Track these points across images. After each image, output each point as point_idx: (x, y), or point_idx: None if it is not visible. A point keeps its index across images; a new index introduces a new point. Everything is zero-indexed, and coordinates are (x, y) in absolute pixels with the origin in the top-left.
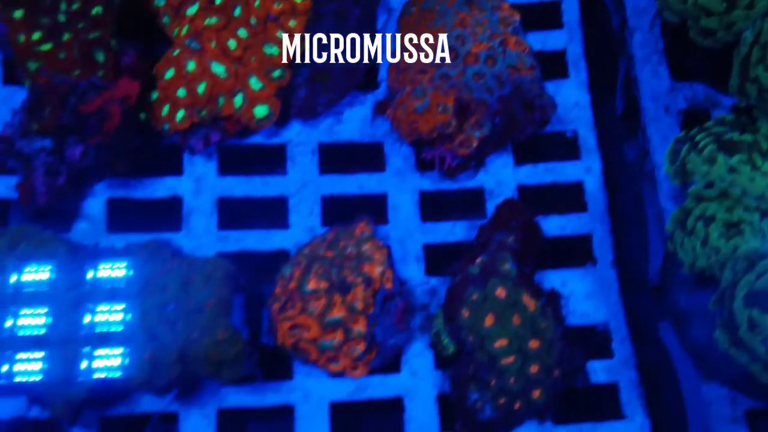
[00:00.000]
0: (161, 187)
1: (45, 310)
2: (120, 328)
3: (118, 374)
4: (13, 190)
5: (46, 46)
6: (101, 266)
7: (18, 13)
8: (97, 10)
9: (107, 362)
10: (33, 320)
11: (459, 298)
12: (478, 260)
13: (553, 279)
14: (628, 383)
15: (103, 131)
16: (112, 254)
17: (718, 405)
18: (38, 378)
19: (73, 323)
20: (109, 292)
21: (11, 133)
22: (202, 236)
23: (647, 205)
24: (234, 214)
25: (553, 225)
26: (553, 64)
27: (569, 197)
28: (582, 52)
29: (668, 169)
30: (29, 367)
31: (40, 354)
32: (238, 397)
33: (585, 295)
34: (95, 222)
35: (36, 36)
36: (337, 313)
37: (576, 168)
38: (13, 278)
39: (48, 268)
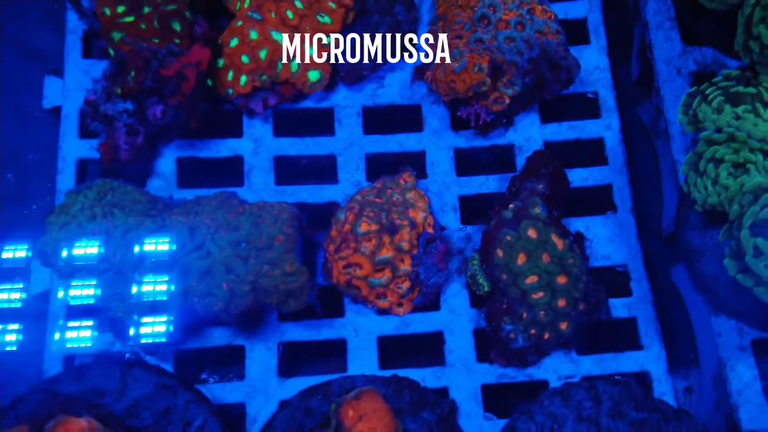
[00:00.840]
0: (224, 148)
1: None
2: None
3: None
4: (91, 151)
5: (129, 18)
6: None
7: None
8: None
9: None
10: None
11: (494, 240)
12: (511, 206)
13: (578, 225)
14: (646, 318)
15: (181, 92)
16: (185, 211)
17: (726, 336)
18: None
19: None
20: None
21: (95, 99)
22: (261, 191)
23: (661, 160)
24: (289, 170)
25: (577, 177)
26: (575, 32)
27: (591, 152)
28: (601, 20)
29: (681, 119)
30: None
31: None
32: (296, 332)
33: (606, 239)
34: (167, 179)
35: (120, 9)
36: (386, 253)
37: (597, 126)
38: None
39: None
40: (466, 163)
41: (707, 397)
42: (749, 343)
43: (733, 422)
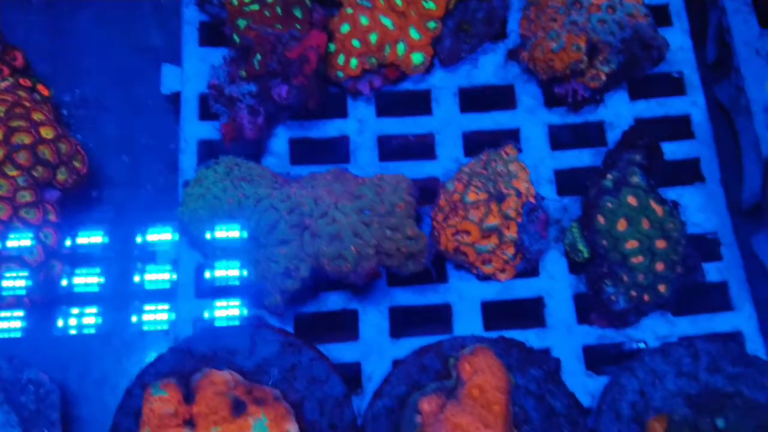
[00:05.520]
0: (332, 128)
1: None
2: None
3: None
4: (210, 132)
5: (254, 7)
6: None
7: None
8: None
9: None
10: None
11: (595, 207)
12: (610, 175)
13: (670, 195)
14: (737, 280)
15: (303, 73)
16: (302, 185)
17: None
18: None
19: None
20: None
21: (219, 82)
22: (367, 167)
23: (742, 136)
24: (391, 148)
25: (667, 150)
26: (659, 16)
27: (679, 127)
28: (683, 4)
29: None
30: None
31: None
32: (405, 297)
33: (697, 208)
34: (281, 157)
35: None
36: (494, 221)
37: (683, 102)
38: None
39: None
40: (559, 138)
41: None
42: None
43: None
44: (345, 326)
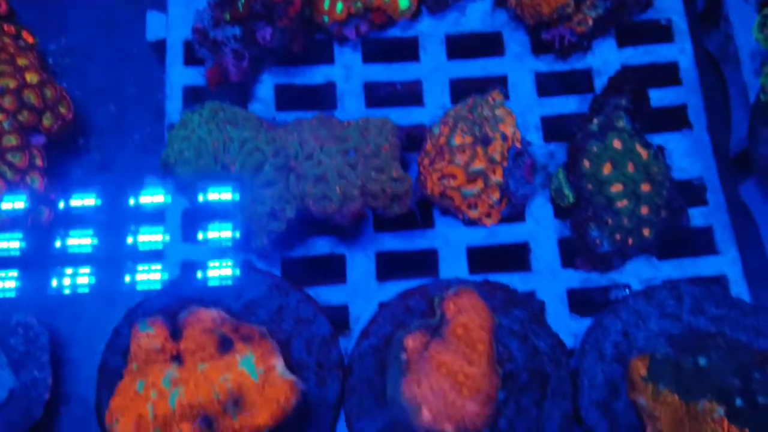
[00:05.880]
0: (318, 74)
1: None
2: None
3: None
4: (195, 78)
5: None
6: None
7: None
8: None
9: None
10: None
11: (581, 151)
12: (596, 120)
13: (656, 140)
14: (721, 225)
15: (287, 15)
16: (288, 130)
17: None
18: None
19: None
20: None
21: (203, 26)
22: (353, 114)
23: (730, 84)
24: (378, 95)
25: (654, 97)
26: None
27: (666, 74)
28: None
29: (758, 36)
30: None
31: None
32: (391, 242)
33: (683, 153)
34: (267, 103)
35: None
36: (479, 164)
37: (671, 49)
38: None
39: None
40: (546, 85)
41: None
42: None
43: None
44: (332, 271)
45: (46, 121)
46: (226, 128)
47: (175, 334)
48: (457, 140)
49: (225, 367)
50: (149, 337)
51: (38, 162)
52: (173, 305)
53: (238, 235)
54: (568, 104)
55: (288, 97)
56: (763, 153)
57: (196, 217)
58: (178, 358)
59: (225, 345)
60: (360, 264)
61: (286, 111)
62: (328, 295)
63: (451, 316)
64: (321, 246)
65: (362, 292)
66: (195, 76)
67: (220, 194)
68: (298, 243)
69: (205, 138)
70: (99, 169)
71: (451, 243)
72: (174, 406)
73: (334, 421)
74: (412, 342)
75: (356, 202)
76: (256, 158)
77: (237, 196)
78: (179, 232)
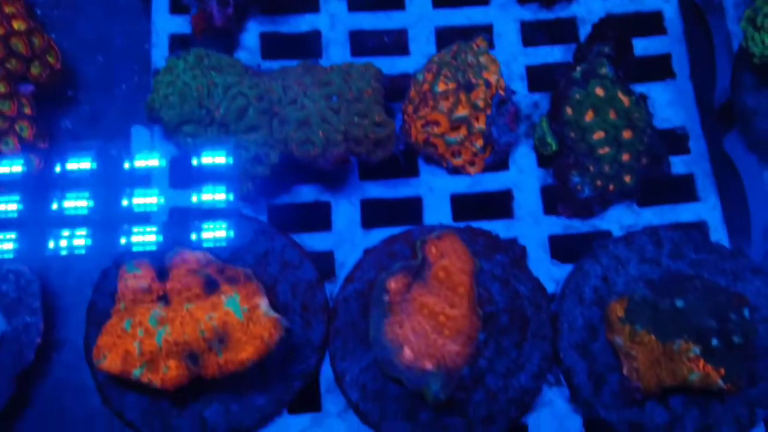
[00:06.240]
0: (303, 23)
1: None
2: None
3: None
4: (184, 26)
5: None
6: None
7: None
8: None
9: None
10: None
11: (563, 99)
12: (579, 68)
13: (641, 90)
14: (703, 172)
15: None
16: (273, 77)
17: None
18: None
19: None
20: None
21: None
22: (339, 61)
23: (714, 35)
24: (363, 43)
25: (638, 46)
26: None
27: (651, 23)
28: None
29: None
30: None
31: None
32: (376, 190)
33: (666, 103)
34: (252, 52)
35: None
36: (462, 111)
37: None
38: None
39: None
40: (531, 34)
41: (757, 249)
42: None
43: None
44: (318, 218)
45: (34, 70)
46: (210, 74)
47: (162, 275)
48: (440, 87)
49: (211, 307)
50: (136, 277)
51: (27, 110)
52: (160, 248)
53: (224, 181)
54: (552, 54)
55: (273, 46)
56: (744, 100)
57: (183, 165)
58: (164, 299)
59: (211, 286)
60: (345, 211)
61: (272, 60)
62: (313, 242)
63: (433, 259)
64: (307, 193)
65: (347, 239)
66: (181, 24)
67: (207, 141)
68: (284, 190)
69: (189, 83)
70: (88, 121)
71: (435, 191)
72: (161, 343)
73: (319, 361)
74: (394, 283)
75: (339, 146)
76: (240, 103)
77: (222, 142)
78: (166, 179)
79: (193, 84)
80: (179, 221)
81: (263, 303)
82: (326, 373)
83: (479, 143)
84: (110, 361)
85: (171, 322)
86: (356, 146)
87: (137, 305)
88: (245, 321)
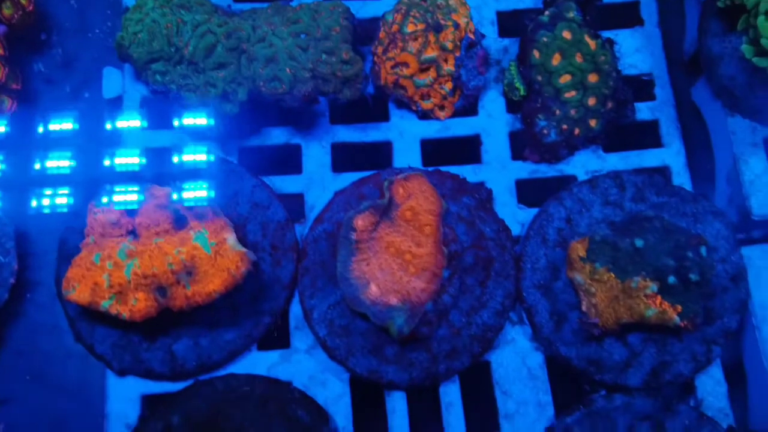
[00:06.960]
0: None
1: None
2: None
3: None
4: None
5: None
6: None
7: None
8: None
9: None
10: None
11: (531, 42)
12: (547, 12)
13: (608, 36)
14: (668, 119)
15: None
16: (243, 17)
17: (740, 134)
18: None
19: None
20: None
21: None
22: None
23: None
24: None
25: None
26: None
27: None
28: None
29: None
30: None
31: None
32: (347, 134)
33: (633, 49)
34: None
35: None
36: (431, 52)
37: None
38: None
39: None
40: None
41: (721, 195)
42: (761, 140)
43: (744, 212)
44: (289, 161)
45: (6, 10)
46: (179, 11)
47: (131, 211)
48: (409, 27)
49: (179, 242)
50: (105, 211)
51: None
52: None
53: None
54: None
55: None
56: (710, 46)
57: (154, 105)
58: (133, 233)
59: (180, 222)
60: (315, 154)
61: (242, 2)
62: (284, 184)
63: (401, 200)
64: (277, 136)
65: (318, 181)
66: None
67: (176, 79)
68: (255, 133)
69: (158, 20)
70: (61, 65)
71: (405, 135)
72: (129, 276)
73: (288, 298)
74: (361, 222)
75: (307, 84)
76: (209, 40)
77: (191, 80)
78: (138, 119)
79: (162, 21)
80: (157, 162)
81: (231, 237)
82: (295, 311)
83: (448, 86)
84: (79, 293)
85: (140, 255)
86: (324, 84)
87: (106, 239)
88: (213, 255)
